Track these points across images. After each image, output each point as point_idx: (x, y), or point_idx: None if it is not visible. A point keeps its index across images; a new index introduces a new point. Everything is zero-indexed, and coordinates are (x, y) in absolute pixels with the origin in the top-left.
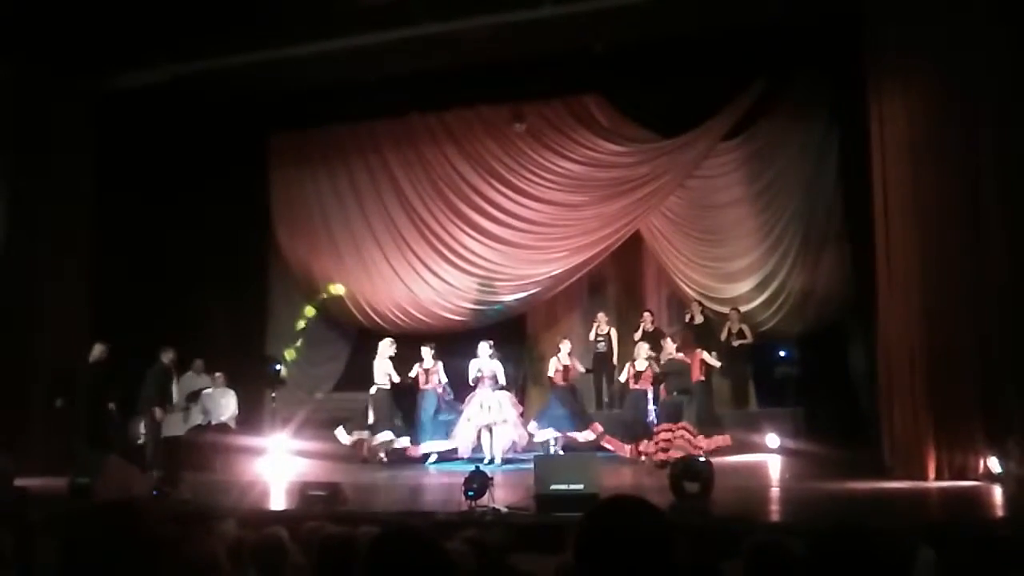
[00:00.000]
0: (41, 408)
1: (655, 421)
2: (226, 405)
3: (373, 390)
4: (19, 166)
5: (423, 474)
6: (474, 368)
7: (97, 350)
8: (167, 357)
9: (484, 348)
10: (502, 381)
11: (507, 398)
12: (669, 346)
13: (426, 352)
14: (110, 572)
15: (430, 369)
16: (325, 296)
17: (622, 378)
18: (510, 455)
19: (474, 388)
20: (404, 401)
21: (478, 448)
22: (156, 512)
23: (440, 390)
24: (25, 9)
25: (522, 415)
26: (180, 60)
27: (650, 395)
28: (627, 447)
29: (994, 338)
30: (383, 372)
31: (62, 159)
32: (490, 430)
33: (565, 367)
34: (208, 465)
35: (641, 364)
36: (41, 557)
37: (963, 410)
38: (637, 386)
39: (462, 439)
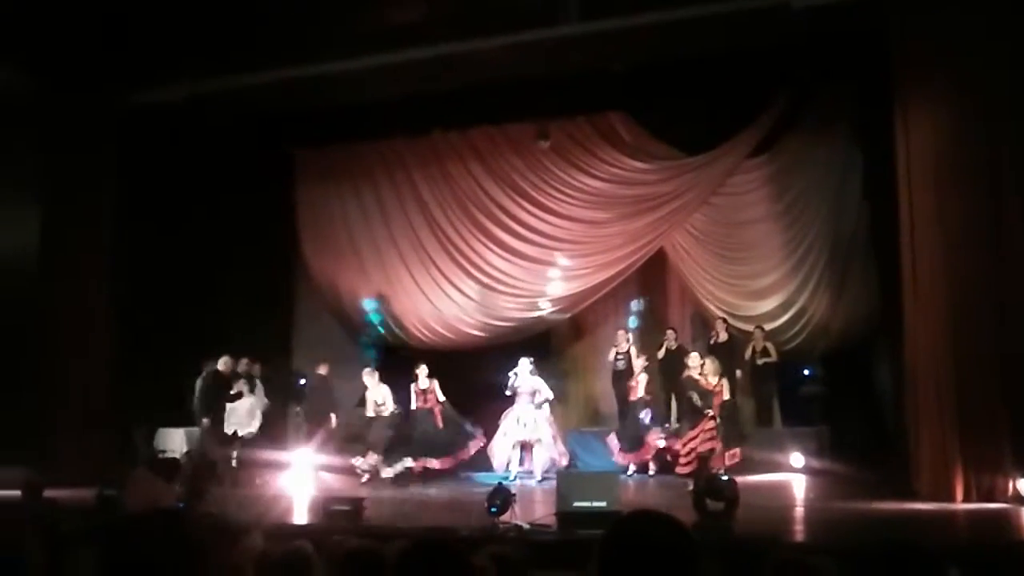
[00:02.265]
0: (66, 420)
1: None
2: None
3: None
4: (42, 183)
5: (446, 489)
6: (512, 382)
7: (223, 363)
8: (223, 365)
9: (524, 364)
10: (544, 397)
11: (544, 417)
12: (694, 362)
13: (421, 372)
14: None
15: (427, 389)
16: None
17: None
18: (551, 474)
19: (511, 403)
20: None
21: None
22: (194, 521)
23: (437, 409)
24: (49, 26)
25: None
26: (205, 77)
27: (648, 412)
28: (623, 455)
29: (1022, 358)
30: (374, 401)
31: (85, 175)
32: (523, 447)
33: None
34: (233, 479)
35: (642, 379)
36: (75, 568)
37: (991, 431)
38: (635, 398)
39: (497, 453)
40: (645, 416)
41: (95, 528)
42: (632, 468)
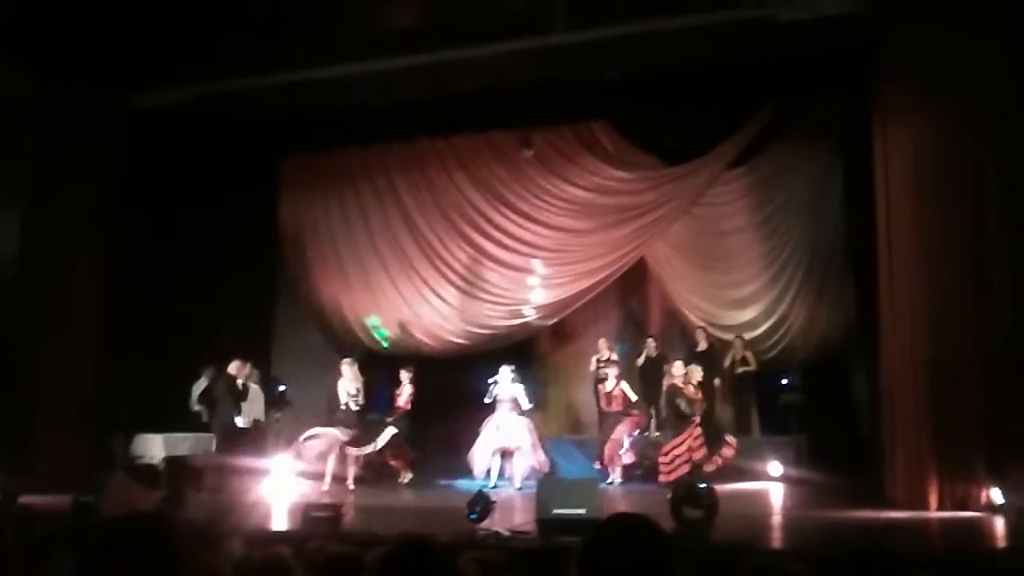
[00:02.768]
0: (44, 426)
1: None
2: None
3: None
4: (36, 181)
5: (426, 496)
6: (492, 390)
7: (234, 367)
8: (235, 369)
9: (505, 371)
10: (524, 406)
11: (524, 424)
12: (679, 371)
13: (406, 376)
14: None
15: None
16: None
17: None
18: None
19: (492, 410)
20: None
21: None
22: (174, 525)
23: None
24: (44, 29)
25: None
26: (191, 83)
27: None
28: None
29: (998, 369)
30: (347, 391)
31: (79, 176)
32: (503, 454)
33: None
34: (212, 485)
35: (610, 384)
36: (51, 574)
37: (966, 440)
38: (609, 408)
39: (478, 461)
40: (622, 430)
41: (72, 534)
42: (616, 477)
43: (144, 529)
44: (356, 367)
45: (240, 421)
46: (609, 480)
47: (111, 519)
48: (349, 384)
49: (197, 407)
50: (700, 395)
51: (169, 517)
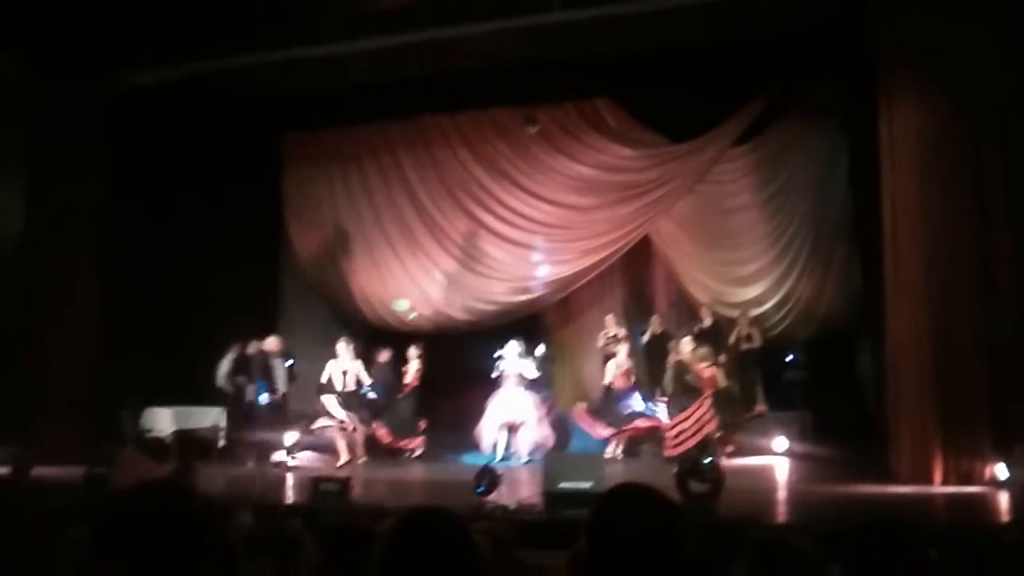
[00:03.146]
0: (53, 401)
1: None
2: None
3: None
4: (30, 163)
5: (433, 470)
6: (499, 365)
7: (271, 343)
8: (272, 345)
9: (513, 346)
10: (531, 376)
11: (531, 399)
12: (687, 347)
13: (413, 353)
14: (159, 550)
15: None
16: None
17: (606, 380)
18: (536, 456)
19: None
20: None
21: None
22: (189, 493)
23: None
24: (37, 5)
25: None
26: (192, 60)
27: (635, 395)
28: (600, 429)
29: (1002, 345)
30: (343, 372)
31: (74, 156)
32: (509, 429)
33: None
34: (222, 458)
35: (623, 362)
36: (64, 544)
37: (970, 416)
38: (620, 386)
39: (484, 435)
40: (627, 403)
41: (85, 505)
42: (617, 448)
43: (159, 496)
44: (352, 347)
45: (267, 398)
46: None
47: (126, 489)
48: (348, 365)
49: (223, 383)
50: (712, 372)
51: (187, 485)
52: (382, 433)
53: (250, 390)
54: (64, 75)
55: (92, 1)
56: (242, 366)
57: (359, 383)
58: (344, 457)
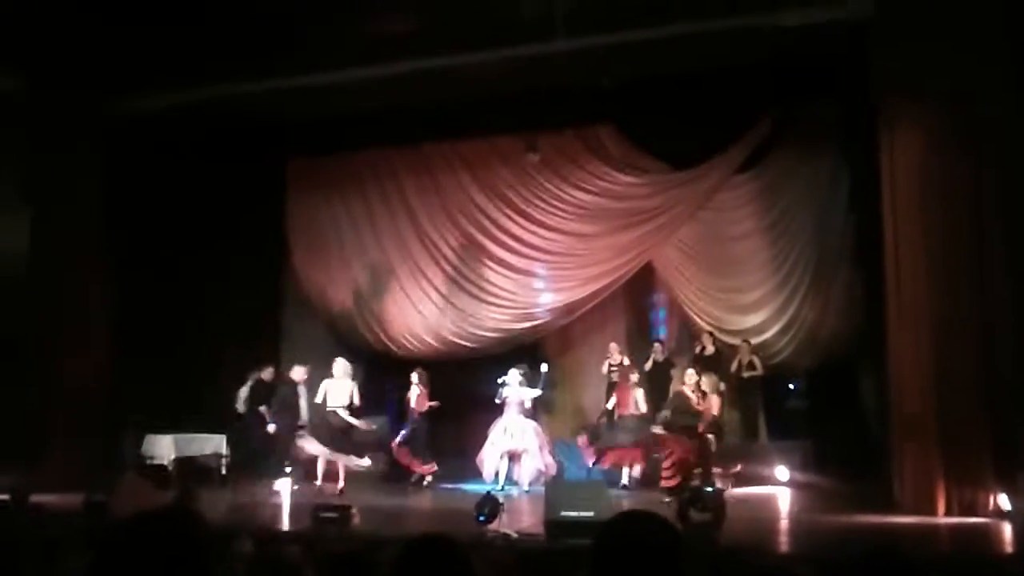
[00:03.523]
0: (54, 425)
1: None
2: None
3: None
4: (35, 188)
5: (434, 498)
6: (501, 391)
7: (298, 373)
8: (298, 375)
9: (514, 374)
10: (533, 395)
11: (532, 427)
12: (690, 379)
13: (420, 377)
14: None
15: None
16: None
17: (608, 405)
18: (538, 484)
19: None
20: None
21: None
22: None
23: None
24: (43, 30)
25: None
26: (199, 85)
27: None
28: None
29: (1005, 374)
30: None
31: (76, 179)
32: (511, 457)
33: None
34: (222, 485)
35: (634, 387)
36: (64, 573)
37: (973, 446)
38: (624, 412)
39: (486, 462)
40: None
41: (84, 533)
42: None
43: (166, 524)
44: (348, 367)
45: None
46: (623, 484)
47: (135, 514)
48: (345, 386)
49: (242, 408)
50: (707, 405)
51: (194, 511)
52: (402, 454)
53: (266, 415)
54: (70, 99)
55: (99, 27)
56: (259, 392)
57: (352, 403)
58: (320, 479)
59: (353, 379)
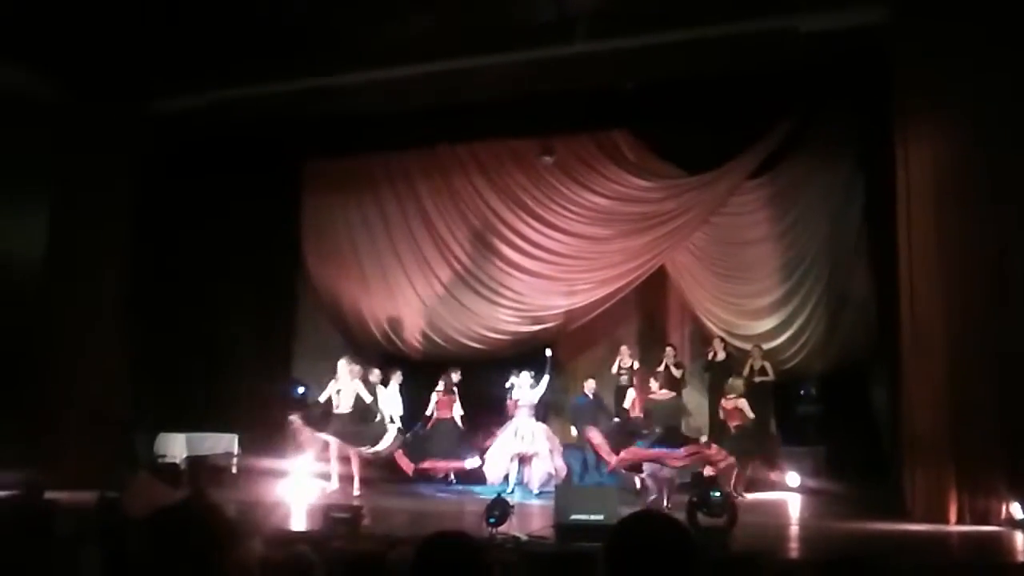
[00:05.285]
0: (68, 423)
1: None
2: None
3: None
4: (55, 188)
5: (444, 500)
6: (513, 394)
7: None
8: (374, 376)
9: (525, 377)
10: (541, 390)
11: (542, 430)
12: (652, 387)
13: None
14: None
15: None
16: None
17: (626, 404)
18: (548, 487)
19: (510, 415)
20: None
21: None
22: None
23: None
24: (64, 33)
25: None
26: (217, 87)
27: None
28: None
29: (1018, 384)
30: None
31: (97, 182)
32: (521, 460)
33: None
34: (233, 485)
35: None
36: (76, 569)
37: (986, 455)
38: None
39: (496, 466)
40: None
41: (97, 530)
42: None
43: (178, 520)
44: (353, 367)
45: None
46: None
47: (148, 514)
48: (349, 385)
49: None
50: (734, 404)
51: (214, 507)
52: (400, 456)
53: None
54: (90, 101)
55: (120, 30)
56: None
57: (357, 403)
58: (335, 480)
59: (357, 379)
